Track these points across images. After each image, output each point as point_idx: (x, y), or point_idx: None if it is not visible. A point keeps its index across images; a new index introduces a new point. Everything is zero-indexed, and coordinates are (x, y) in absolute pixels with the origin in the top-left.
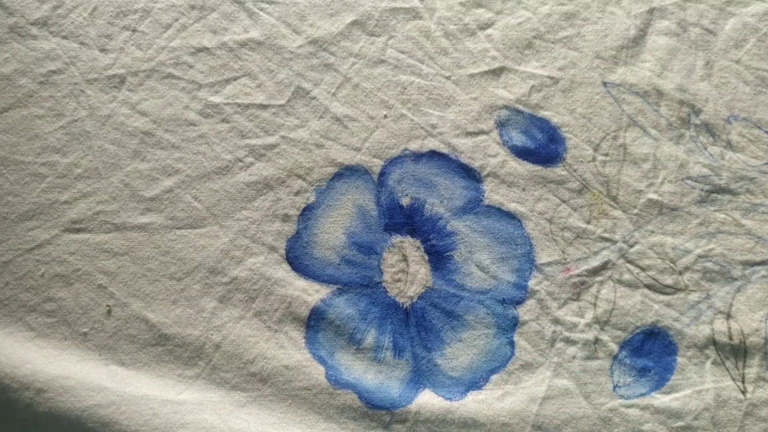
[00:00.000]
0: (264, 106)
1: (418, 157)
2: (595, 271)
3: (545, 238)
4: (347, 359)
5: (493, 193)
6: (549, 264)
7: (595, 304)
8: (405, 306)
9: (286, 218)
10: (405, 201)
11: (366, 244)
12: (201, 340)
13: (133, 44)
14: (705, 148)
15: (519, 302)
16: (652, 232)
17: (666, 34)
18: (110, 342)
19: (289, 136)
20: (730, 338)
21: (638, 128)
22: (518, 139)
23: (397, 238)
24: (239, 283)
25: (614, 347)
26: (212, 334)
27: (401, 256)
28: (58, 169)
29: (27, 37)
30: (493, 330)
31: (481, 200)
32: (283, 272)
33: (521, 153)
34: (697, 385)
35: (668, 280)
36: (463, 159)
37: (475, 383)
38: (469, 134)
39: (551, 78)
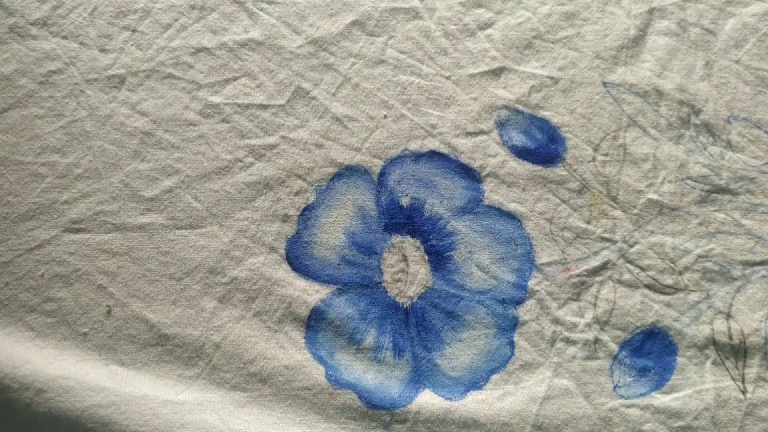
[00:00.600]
0: (264, 106)
1: (418, 157)
2: (595, 271)
3: (545, 238)
4: (347, 359)
5: (493, 193)
6: (549, 264)
7: (595, 304)
8: (405, 306)
9: (286, 218)
10: (405, 201)
11: (366, 244)
12: (201, 340)
13: (133, 44)
14: (705, 148)
15: (519, 302)
16: (652, 232)
17: (666, 34)
18: (110, 342)
19: (289, 136)
20: (730, 338)
21: (638, 128)
22: (518, 139)
23: (397, 238)
24: (239, 283)
25: (614, 347)
26: (212, 334)
27: (401, 256)
28: (58, 169)
29: (27, 37)
30: (493, 330)
31: (481, 200)
32: (283, 272)
33: (521, 153)
34: (697, 385)
35: (668, 280)
36: (463, 159)
37: (475, 383)
38: (469, 134)
39: (551, 78)
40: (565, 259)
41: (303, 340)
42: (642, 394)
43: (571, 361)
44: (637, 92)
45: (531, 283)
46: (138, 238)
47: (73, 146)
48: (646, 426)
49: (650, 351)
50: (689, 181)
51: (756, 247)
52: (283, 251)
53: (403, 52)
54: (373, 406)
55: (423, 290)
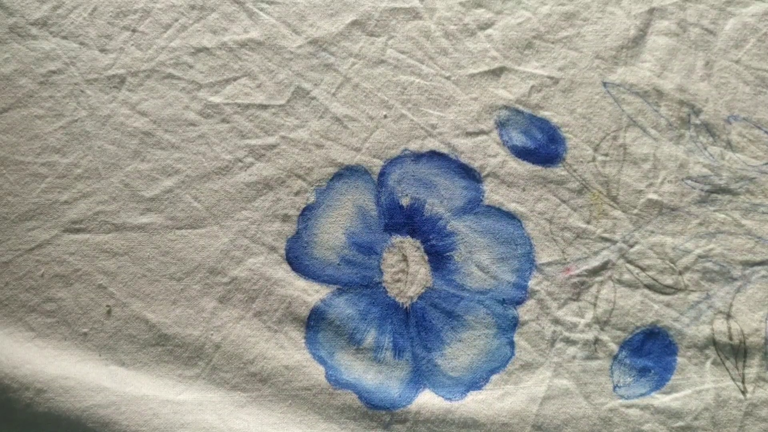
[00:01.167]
0: (264, 106)
1: (418, 157)
2: (595, 271)
3: (545, 238)
4: (347, 359)
5: (493, 193)
6: (549, 264)
7: (595, 304)
8: (405, 306)
9: (286, 218)
10: (405, 201)
11: (366, 244)
12: (201, 340)
13: (133, 44)
14: (705, 148)
15: (519, 302)
16: (652, 232)
17: (666, 34)
18: (110, 342)
19: (289, 136)
20: (730, 338)
21: (638, 128)
22: (518, 139)
23: (397, 238)
24: (239, 283)
25: (614, 347)
26: (212, 334)
27: (401, 256)
28: (58, 169)
29: (27, 37)
30: (493, 330)
31: (481, 200)
32: (283, 272)
33: (521, 153)
34: (697, 385)
35: (668, 280)
36: (463, 159)
37: (475, 383)
38: (469, 134)
39: (551, 78)
40: (565, 259)
41: (303, 340)
42: (642, 394)
43: (571, 361)
44: (637, 92)
45: (531, 283)
46: (138, 238)
47: (73, 146)
48: (645, 426)
49: (650, 351)
50: (689, 181)
51: (756, 247)
52: (283, 251)
53: (403, 52)
54: (373, 406)
55: (423, 290)
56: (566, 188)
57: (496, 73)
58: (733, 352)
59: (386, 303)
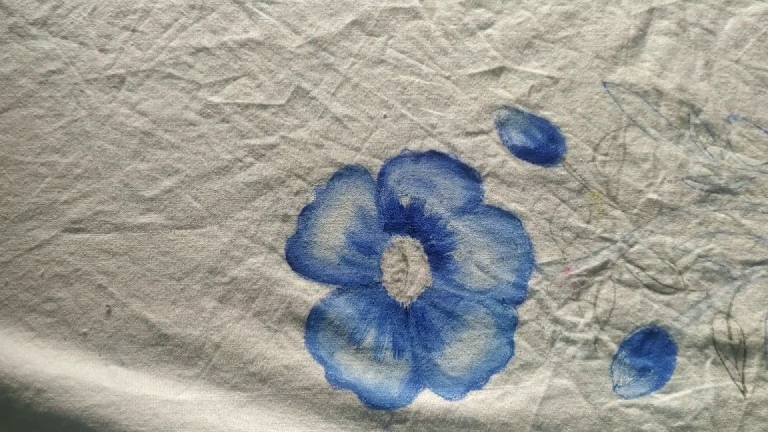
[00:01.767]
0: (264, 106)
1: (417, 157)
2: (594, 271)
3: (545, 238)
4: (347, 359)
5: (493, 193)
6: (549, 264)
7: (594, 304)
8: (405, 306)
9: (285, 218)
10: (405, 201)
11: (366, 244)
12: (201, 340)
13: (132, 44)
14: (705, 148)
15: (519, 302)
16: (652, 231)
17: (666, 33)
18: (110, 342)
19: (289, 136)
20: (730, 338)
21: (638, 128)
22: (518, 138)
23: (396, 238)
24: (239, 283)
25: (614, 347)
26: (212, 334)
27: (401, 256)
28: (57, 169)
29: (27, 37)
30: (493, 330)
31: (481, 200)
32: (283, 272)
33: (521, 153)
34: (696, 384)
35: (668, 279)
36: (463, 159)
37: (475, 383)
38: (468, 134)
39: (551, 78)
40: (565, 258)
41: (303, 340)
42: (642, 394)
43: (570, 360)
44: (637, 92)
45: (531, 283)
46: (138, 238)
47: (73, 146)
48: (645, 426)
49: (650, 351)
50: (689, 181)
51: (756, 246)
52: (283, 251)
53: (403, 52)
54: (372, 406)
55: (423, 290)
56: (566, 188)
57: (496, 72)
58: (733, 351)
59: (386, 303)
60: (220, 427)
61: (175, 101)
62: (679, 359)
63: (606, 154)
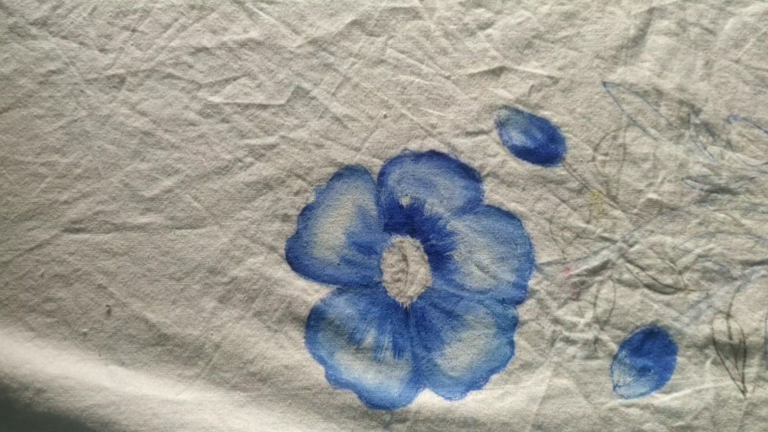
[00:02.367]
0: (264, 106)
1: (417, 157)
2: (594, 271)
3: (545, 238)
4: (347, 359)
5: (493, 193)
6: (549, 264)
7: (594, 304)
8: (405, 306)
9: (285, 218)
10: (405, 201)
11: (366, 244)
12: (201, 340)
13: (132, 44)
14: (705, 148)
15: (519, 302)
16: (652, 231)
17: (666, 33)
18: (110, 342)
19: (289, 136)
20: (730, 338)
21: (638, 128)
22: (518, 138)
23: (396, 238)
24: (239, 283)
25: (614, 347)
26: (212, 334)
27: (401, 256)
28: (57, 169)
29: (27, 37)
30: (493, 330)
31: (481, 200)
32: (283, 272)
33: (521, 153)
34: (696, 384)
35: (668, 279)
36: (463, 159)
37: (475, 383)
38: (468, 134)
39: (551, 78)
40: (565, 258)
41: (303, 340)
42: (642, 394)
43: (571, 360)
44: (636, 92)
45: (531, 283)
46: (138, 238)
47: (73, 146)
48: (646, 425)
49: (650, 350)
50: (689, 181)
51: (756, 246)
52: (283, 251)
53: (403, 52)
54: (372, 406)
55: (423, 290)
56: (566, 188)
57: (496, 72)
58: (733, 351)
59: (386, 303)
60: (220, 427)
61: (175, 101)
62: (679, 359)
63: (606, 154)
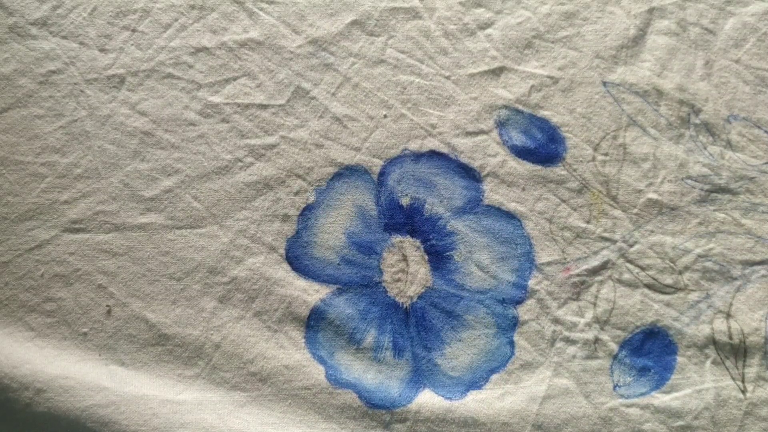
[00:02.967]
0: (264, 106)
1: (417, 157)
2: (594, 271)
3: (545, 238)
4: (347, 359)
5: (493, 193)
6: (549, 264)
7: (594, 304)
8: (405, 306)
9: (285, 218)
10: (405, 201)
11: (366, 244)
12: (201, 340)
13: (132, 44)
14: (705, 148)
15: (519, 302)
16: (652, 231)
17: (666, 33)
18: (110, 342)
19: (289, 136)
20: (730, 338)
21: (638, 128)
22: (518, 138)
23: (396, 238)
24: (239, 283)
25: (614, 347)
26: (212, 334)
27: (401, 256)
28: (57, 169)
29: (27, 37)
30: (493, 330)
31: (481, 200)
32: (283, 272)
33: (521, 153)
34: (697, 384)
35: (668, 279)
36: (463, 159)
37: (475, 383)
38: (468, 134)
39: (551, 78)
40: (565, 258)
41: (303, 340)
42: (642, 394)
43: (571, 360)
44: (636, 92)
45: (531, 283)
46: (138, 238)
47: (73, 146)
48: (646, 425)
49: (650, 350)
50: (689, 181)
51: (756, 246)
52: (283, 251)
53: (403, 52)
54: (373, 406)
55: (423, 290)
56: (566, 188)
57: (496, 72)
58: (733, 351)
59: (386, 303)
60: (220, 426)
61: (175, 101)
62: (679, 359)
63: (606, 154)
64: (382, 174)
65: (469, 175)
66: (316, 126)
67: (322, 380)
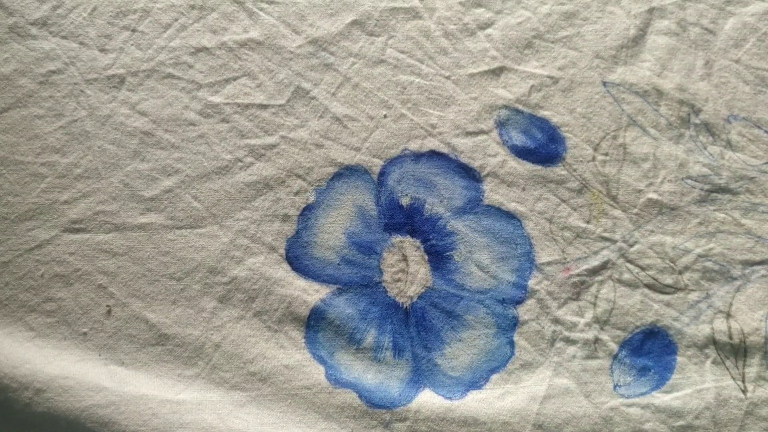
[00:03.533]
0: (264, 106)
1: (417, 156)
2: (594, 271)
3: (545, 238)
4: (347, 359)
5: (493, 193)
6: (549, 264)
7: (594, 304)
8: (405, 306)
9: (285, 218)
10: (405, 201)
11: (366, 244)
12: (201, 340)
13: (132, 44)
14: (705, 148)
15: (519, 302)
16: (652, 231)
17: (666, 33)
18: (110, 342)
19: (289, 136)
20: (730, 337)
21: (638, 128)
22: (518, 138)
23: (397, 238)
24: (239, 283)
25: (614, 347)
26: (212, 334)
27: (401, 256)
28: (57, 169)
29: (27, 37)
30: (493, 330)
31: (481, 200)
32: (283, 272)
33: (521, 153)
34: (697, 384)
35: (668, 279)
36: (463, 159)
37: (475, 383)
38: (468, 134)
39: (551, 78)
40: (565, 258)
41: (303, 340)
42: (642, 393)
43: (571, 360)
44: (636, 92)
45: (531, 283)
46: (138, 238)
47: (73, 146)
48: (646, 425)
49: (650, 350)
50: (689, 181)
51: (756, 246)
52: (283, 251)
53: (403, 52)
54: (373, 405)
55: (423, 290)
56: (566, 188)
57: (496, 72)
58: (733, 351)
59: (386, 303)
60: (220, 427)
61: (175, 101)
62: (680, 359)
63: (606, 154)
64: (382, 174)
65: (469, 175)
66: (316, 126)
67: (322, 380)
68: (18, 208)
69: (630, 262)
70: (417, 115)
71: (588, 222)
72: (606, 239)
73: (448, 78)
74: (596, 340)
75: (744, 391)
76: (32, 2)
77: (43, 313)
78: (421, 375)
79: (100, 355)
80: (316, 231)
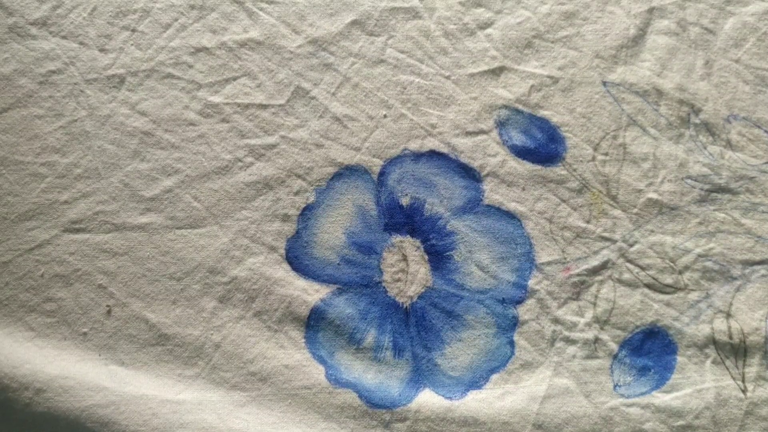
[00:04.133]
0: (264, 106)
1: (417, 156)
2: (594, 271)
3: (545, 238)
4: (347, 359)
5: (493, 193)
6: (549, 263)
7: (594, 304)
8: (405, 306)
9: (285, 218)
10: (405, 201)
11: (366, 243)
12: (201, 340)
13: (132, 44)
14: (705, 148)
15: (519, 302)
16: (652, 231)
17: (666, 33)
18: (110, 342)
19: (289, 135)
20: (730, 337)
21: (638, 128)
22: (518, 138)
23: (397, 238)
24: (239, 282)
25: (614, 346)
26: (212, 334)
27: (401, 256)
28: (57, 169)
29: (27, 37)
30: (493, 329)
31: (481, 200)
32: (283, 272)
33: (521, 152)
34: (697, 384)
35: (668, 279)
36: (463, 159)
37: (475, 383)
38: (468, 134)
39: (551, 77)
40: (565, 258)
41: (303, 340)
42: (642, 393)
43: (571, 360)
44: (636, 92)
45: (531, 283)
46: (138, 238)
47: (72, 146)
48: (646, 425)
49: (650, 350)
50: (689, 181)
51: (756, 246)
52: (283, 251)
53: (402, 52)
54: (373, 405)
55: (423, 290)
56: (566, 187)
57: (496, 72)
58: (733, 351)
59: (386, 302)
60: (220, 426)
61: (175, 101)
62: (680, 359)
63: (606, 154)
64: (382, 174)
65: (469, 175)
66: (316, 126)
67: (322, 380)
68: (18, 208)
69: (630, 261)
70: (417, 115)
71: (588, 222)
72: (606, 239)
73: (448, 78)
74: (596, 339)
75: (744, 391)
76: (32, 2)
77: (43, 313)
78: (421, 375)
79: (100, 355)
80: (316, 231)
